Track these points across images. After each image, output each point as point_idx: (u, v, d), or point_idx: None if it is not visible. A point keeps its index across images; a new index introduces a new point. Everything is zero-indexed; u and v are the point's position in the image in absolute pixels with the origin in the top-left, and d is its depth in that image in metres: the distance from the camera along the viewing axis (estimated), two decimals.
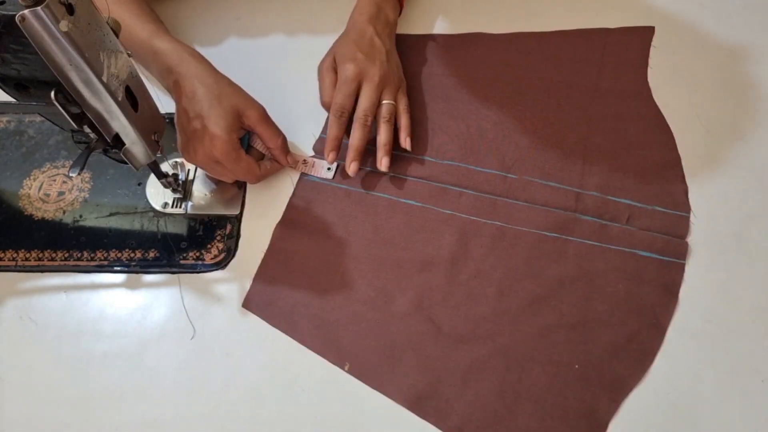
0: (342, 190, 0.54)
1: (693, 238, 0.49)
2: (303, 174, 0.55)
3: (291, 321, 0.48)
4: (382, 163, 0.52)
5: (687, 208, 0.50)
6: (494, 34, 0.63)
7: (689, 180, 0.52)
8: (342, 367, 0.46)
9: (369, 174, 0.55)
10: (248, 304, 0.49)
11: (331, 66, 0.57)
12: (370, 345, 0.47)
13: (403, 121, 0.54)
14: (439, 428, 0.43)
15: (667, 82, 0.57)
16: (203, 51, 0.53)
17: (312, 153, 0.57)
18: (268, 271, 0.51)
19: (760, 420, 0.42)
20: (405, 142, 0.54)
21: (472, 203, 0.52)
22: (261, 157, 0.54)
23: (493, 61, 0.61)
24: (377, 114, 0.54)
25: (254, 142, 0.53)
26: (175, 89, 0.51)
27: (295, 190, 0.55)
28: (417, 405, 0.44)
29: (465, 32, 0.63)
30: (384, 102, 0.54)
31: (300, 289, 0.50)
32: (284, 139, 0.53)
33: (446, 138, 0.56)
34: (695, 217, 0.50)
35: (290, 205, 0.54)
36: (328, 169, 0.55)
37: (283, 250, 0.52)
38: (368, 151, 0.54)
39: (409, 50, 0.62)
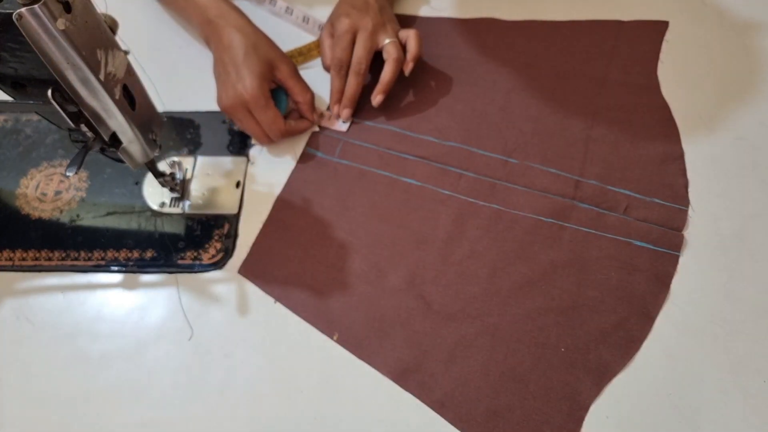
0: (343, 166, 0.55)
1: (692, 234, 0.49)
2: (321, 127, 0.58)
3: (284, 289, 0.49)
4: (375, 99, 0.55)
5: (686, 202, 0.50)
6: (507, 20, 0.63)
7: (691, 176, 0.52)
8: (331, 337, 0.47)
9: (370, 152, 0.56)
10: (244, 270, 0.50)
11: (328, 31, 0.58)
12: (360, 317, 0.47)
13: (412, 42, 0.56)
14: (422, 401, 0.44)
15: (677, 78, 0.57)
16: None
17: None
18: (265, 240, 0.52)
19: (762, 418, 0.42)
20: (415, 52, 0.56)
21: (471, 185, 0.53)
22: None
23: (503, 47, 0.61)
24: (384, 53, 0.56)
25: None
26: (213, 39, 0.53)
27: (297, 164, 0.56)
28: (402, 378, 0.45)
29: (478, 17, 0.63)
30: (387, 42, 0.55)
31: (295, 260, 0.51)
32: (313, 95, 0.56)
33: (450, 119, 0.57)
34: (693, 212, 0.50)
35: (292, 179, 0.55)
36: (343, 122, 0.57)
37: (282, 221, 0.53)
38: (370, 128, 0.56)
39: (421, 32, 0.62)
